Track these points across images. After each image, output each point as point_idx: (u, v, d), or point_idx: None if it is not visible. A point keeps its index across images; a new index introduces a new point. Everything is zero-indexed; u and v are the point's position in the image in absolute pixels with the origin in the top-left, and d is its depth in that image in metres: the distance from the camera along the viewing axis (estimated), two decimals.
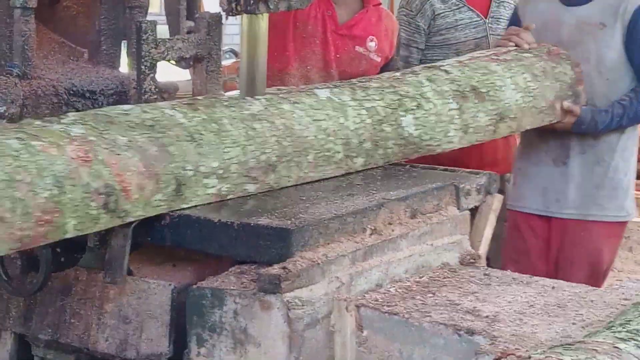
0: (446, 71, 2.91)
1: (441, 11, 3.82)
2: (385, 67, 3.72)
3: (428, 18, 3.82)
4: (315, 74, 3.56)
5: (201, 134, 2.29)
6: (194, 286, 2.21)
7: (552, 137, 3.37)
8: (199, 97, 2.54)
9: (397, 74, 2.91)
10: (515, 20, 3.52)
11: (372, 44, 3.70)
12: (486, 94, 2.92)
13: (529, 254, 3.49)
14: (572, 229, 3.41)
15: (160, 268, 2.37)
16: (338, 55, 3.64)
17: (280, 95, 2.57)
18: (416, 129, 2.72)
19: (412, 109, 2.72)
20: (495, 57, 3.10)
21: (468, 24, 3.84)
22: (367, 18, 3.69)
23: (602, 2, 3.32)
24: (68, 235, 2.01)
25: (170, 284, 2.26)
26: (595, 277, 3.38)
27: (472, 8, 3.86)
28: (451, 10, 3.83)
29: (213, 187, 2.30)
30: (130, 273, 2.30)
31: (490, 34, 3.84)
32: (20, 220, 1.89)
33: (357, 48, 3.65)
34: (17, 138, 1.99)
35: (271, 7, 2.51)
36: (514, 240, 3.55)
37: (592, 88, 3.28)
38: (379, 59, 3.71)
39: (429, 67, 2.96)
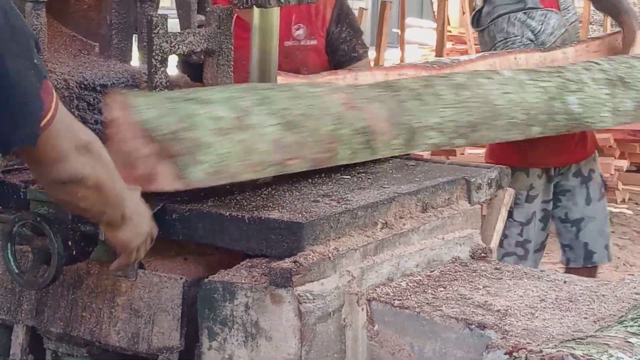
0: (597, 62, 3.53)
1: (538, 29, 3.84)
2: (336, 43, 3.56)
3: (529, 37, 3.84)
4: None
5: (424, 96, 2.77)
6: (205, 280, 2.21)
7: None
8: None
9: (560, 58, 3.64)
10: None
11: (299, 32, 3.51)
12: (630, 84, 3.47)
13: None
14: None
15: (172, 262, 2.38)
16: None
17: (476, 71, 3.17)
18: (579, 107, 3.28)
19: (575, 91, 3.29)
20: (634, 56, 3.75)
21: (557, 26, 3.87)
22: (288, 7, 3.05)
23: None
24: (342, 162, 2.53)
25: (181, 278, 2.26)
26: None
27: (550, 9, 3.87)
28: (542, 24, 3.84)
29: (434, 138, 2.77)
30: (141, 267, 2.30)
31: (567, 26, 3.87)
32: (313, 145, 2.41)
33: (285, 43, 3.39)
34: (303, 84, 2.60)
35: (282, 0, 2.51)
36: None
37: None
38: (314, 42, 3.53)
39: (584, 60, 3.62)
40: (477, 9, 4.12)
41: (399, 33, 9.21)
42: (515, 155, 3.89)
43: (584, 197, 4.14)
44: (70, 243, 2.25)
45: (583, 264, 4.11)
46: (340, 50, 3.55)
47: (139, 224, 2.10)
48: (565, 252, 4.16)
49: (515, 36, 3.83)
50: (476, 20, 4.05)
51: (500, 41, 3.85)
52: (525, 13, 3.86)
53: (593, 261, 4.14)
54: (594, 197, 4.16)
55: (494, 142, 3.11)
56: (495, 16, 3.90)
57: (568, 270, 4.06)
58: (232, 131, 2.27)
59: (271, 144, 2.33)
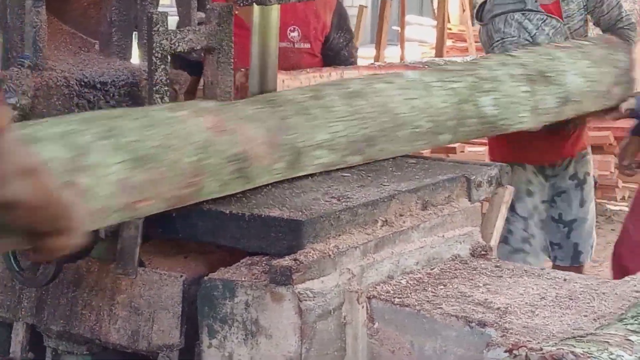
0: (515, 56, 3.25)
1: (534, 32, 3.85)
2: (333, 45, 3.61)
3: (526, 38, 3.86)
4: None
5: (311, 109, 2.48)
6: (206, 278, 2.21)
7: None
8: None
9: (471, 57, 3.32)
10: None
11: (294, 34, 3.52)
12: (552, 78, 3.21)
13: None
14: None
15: (172, 259, 2.38)
16: None
17: (374, 75, 2.84)
18: (493, 109, 2.97)
19: (489, 91, 2.97)
20: (557, 45, 3.49)
21: (554, 33, 3.88)
22: (284, 9, 3.10)
23: None
24: (210, 196, 2.22)
25: (181, 276, 2.27)
26: None
27: (550, 15, 3.89)
28: (539, 27, 3.85)
29: (323, 157, 2.50)
30: (141, 264, 2.30)
31: (569, 34, 3.90)
32: (171, 181, 2.10)
33: (280, 44, 3.10)
34: (161, 109, 2.26)
35: None
36: None
37: None
38: (307, 46, 3.56)
39: (500, 54, 3.39)
40: (481, 2, 4.13)
41: (399, 31, 9.21)
42: (510, 151, 3.93)
43: (579, 200, 4.18)
44: None
45: (570, 263, 4.15)
46: (341, 55, 3.65)
47: None
48: (554, 250, 4.19)
49: (512, 37, 3.84)
50: (480, 14, 4.06)
51: (498, 41, 3.86)
52: (523, 14, 3.87)
53: (580, 261, 4.19)
54: (587, 200, 4.21)
55: (395, 155, 2.73)
56: (493, 14, 3.91)
57: (553, 267, 4.09)
58: (65, 175, 1.89)
59: (115, 185, 1.98)
